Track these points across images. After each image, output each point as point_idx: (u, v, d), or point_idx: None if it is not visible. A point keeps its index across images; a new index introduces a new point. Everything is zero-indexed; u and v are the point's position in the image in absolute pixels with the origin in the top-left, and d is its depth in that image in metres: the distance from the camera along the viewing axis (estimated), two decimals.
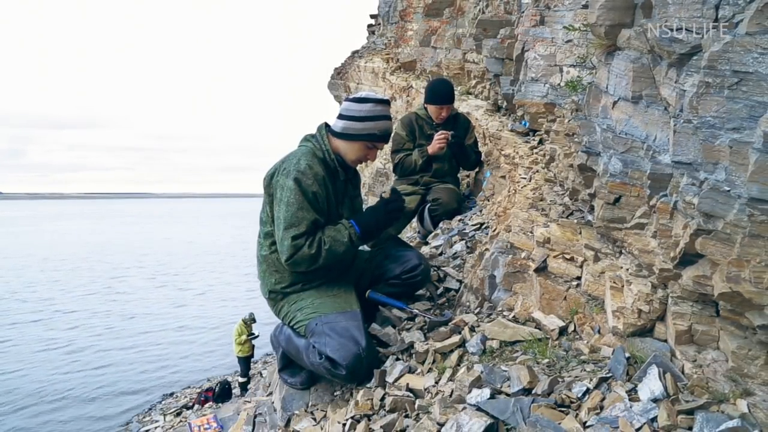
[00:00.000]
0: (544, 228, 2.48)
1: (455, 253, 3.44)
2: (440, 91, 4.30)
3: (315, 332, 2.33)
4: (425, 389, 2.04)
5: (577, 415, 1.59)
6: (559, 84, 4.03)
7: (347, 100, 2.56)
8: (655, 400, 1.53)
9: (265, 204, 2.48)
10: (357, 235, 2.45)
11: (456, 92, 7.72)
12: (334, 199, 2.50)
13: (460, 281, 3.00)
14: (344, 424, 2.06)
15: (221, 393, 9.98)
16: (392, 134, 3.77)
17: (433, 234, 4.09)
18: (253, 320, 10.39)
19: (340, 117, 2.53)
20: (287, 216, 2.34)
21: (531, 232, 2.59)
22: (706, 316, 1.69)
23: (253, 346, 10.44)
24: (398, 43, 9.74)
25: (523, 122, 4.84)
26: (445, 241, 3.72)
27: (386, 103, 2.58)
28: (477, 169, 5.03)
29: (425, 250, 3.68)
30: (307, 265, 2.38)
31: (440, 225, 4.17)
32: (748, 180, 1.36)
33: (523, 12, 4.55)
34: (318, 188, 2.39)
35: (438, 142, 4.24)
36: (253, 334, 10.32)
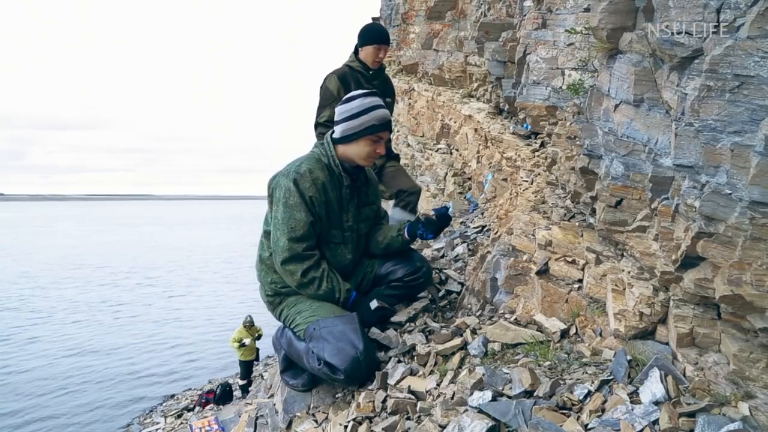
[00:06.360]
0: (545, 230, 2.49)
1: (457, 255, 3.44)
2: (378, 30, 3.83)
3: (313, 336, 2.33)
4: (427, 391, 2.04)
5: (578, 417, 1.59)
6: (560, 87, 4.05)
7: (336, 106, 2.58)
8: (656, 403, 1.54)
9: (269, 204, 2.55)
10: (346, 303, 2.50)
11: (458, 95, 7.75)
12: (336, 206, 2.53)
13: (462, 284, 3.00)
14: (346, 426, 2.06)
15: (222, 395, 9.94)
16: (322, 88, 3.60)
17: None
18: (251, 323, 10.24)
19: (336, 123, 2.55)
20: (285, 217, 2.41)
21: (532, 235, 2.60)
22: (708, 319, 1.69)
23: (257, 350, 10.35)
24: (400, 46, 9.77)
25: (524, 125, 4.85)
26: (446, 243, 3.72)
27: (374, 94, 2.58)
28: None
29: (427, 252, 3.69)
30: (294, 285, 2.47)
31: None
32: (750, 183, 1.37)
33: (525, 15, 4.56)
34: (315, 192, 2.43)
35: None
36: (256, 334, 10.10)
